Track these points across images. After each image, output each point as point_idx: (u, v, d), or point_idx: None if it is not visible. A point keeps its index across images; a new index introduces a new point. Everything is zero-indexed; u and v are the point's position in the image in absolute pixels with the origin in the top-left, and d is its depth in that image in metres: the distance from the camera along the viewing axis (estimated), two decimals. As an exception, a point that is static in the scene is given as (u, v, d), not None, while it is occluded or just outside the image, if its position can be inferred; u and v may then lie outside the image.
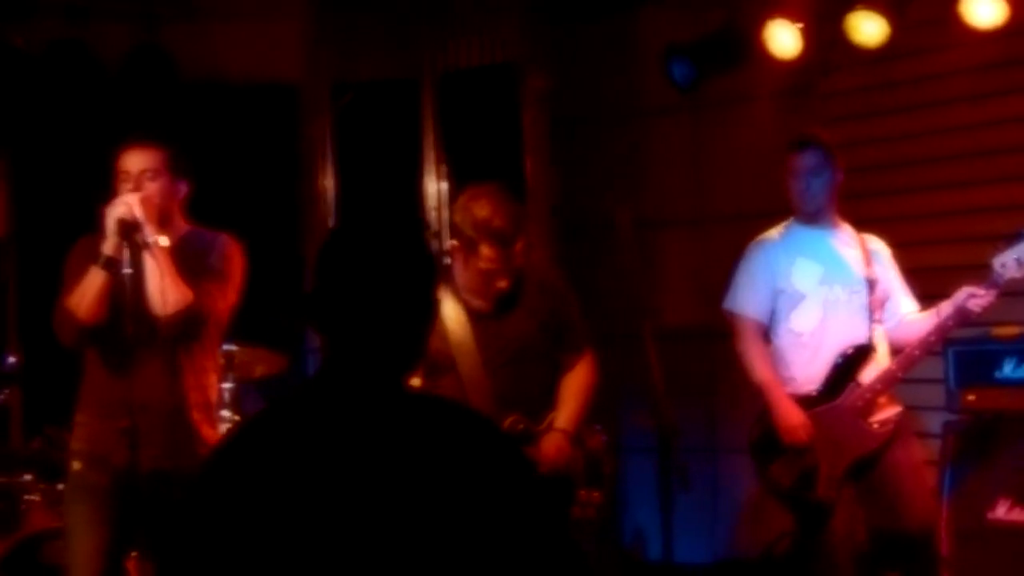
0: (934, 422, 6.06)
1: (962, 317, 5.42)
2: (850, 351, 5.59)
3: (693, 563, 7.43)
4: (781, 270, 5.68)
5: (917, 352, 5.52)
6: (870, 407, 5.55)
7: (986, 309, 5.39)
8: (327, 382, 2.59)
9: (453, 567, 2.43)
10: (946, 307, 5.48)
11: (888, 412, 5.59)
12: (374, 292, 2.58)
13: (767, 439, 5.66)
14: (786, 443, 5.56)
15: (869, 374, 5.57)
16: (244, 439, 2.65)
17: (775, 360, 5.73)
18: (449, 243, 5.02)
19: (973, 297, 5.36)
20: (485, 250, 4.85)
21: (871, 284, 5.62)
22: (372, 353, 2.57)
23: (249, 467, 2.51)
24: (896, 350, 5.68)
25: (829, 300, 5.61)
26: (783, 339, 5.71)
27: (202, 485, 2.56)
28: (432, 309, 2.65)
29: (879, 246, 5.79)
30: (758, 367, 5.70)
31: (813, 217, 5.69)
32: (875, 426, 5.54)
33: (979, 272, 5.44)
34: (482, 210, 4.85)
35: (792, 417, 5.56)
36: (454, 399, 3.15)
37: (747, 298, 5.77)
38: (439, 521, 2.44)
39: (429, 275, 2.67)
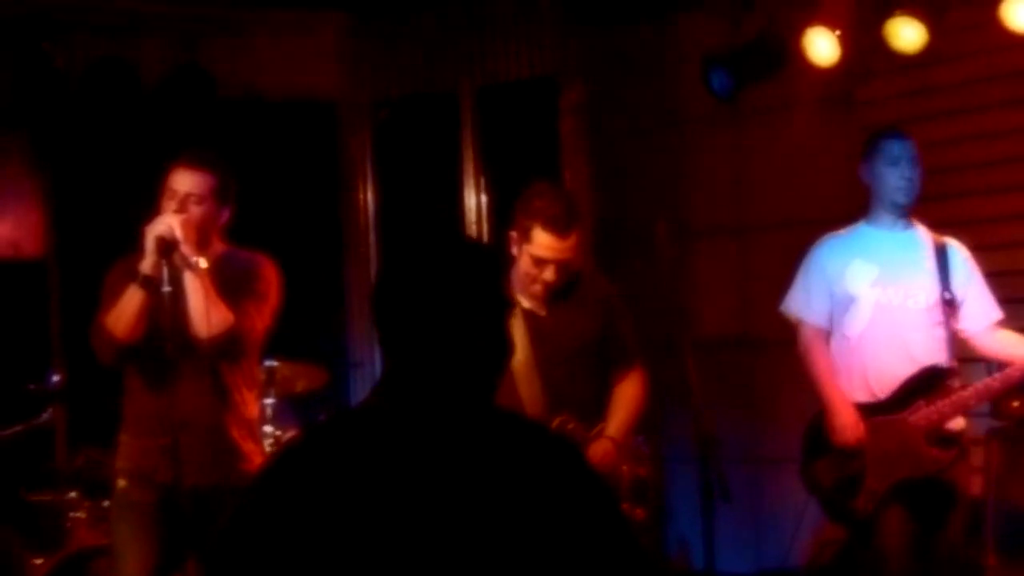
0: (979, 428, 6.00)
1: None
2: (926, 369, 5.39)
3: (738, 573, 7.41)
4: (835, 272, 5.54)
5: (997, 385, 5.33)
6: (935, 429, 5.36)
7: None
8: (392, 397, 2.56)
9: None
10: None
11: (954, 430, 5.39)
12: (449, 318, 2.55)
13: (817, 435, 5.52)
14: (834, 443, 5.42)
15: (942, 394, 5.36)
16: (302, 450, 2.62)
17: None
18: (509, 234, 5.04)
19: None
20: (539, 235, 4.89)
21: (945, 300, 5.42)
22: (441, 377, 2.55)
23: (306, 476, 2.49)
24: (978, 357, 5.57)
25: (881, 303, 5.44)
26: (836, 343, 5.57)
27: (257, 494, 2.54)
28: (505, 344, 2.63)
29: (958, 250, 5.56)
30: (816, 367, 5.53)
31: (892, 215, 5.50)
32: (935, 451, 5.34)
33: (1015, 279, 5.38)
34: (540, 199, 4.94)
35: (843, 416, 5.40)
36: (520, 413, 3.12)
37: (802, 302, 5.64)
38: (509, 545, 2.41)
39: (501, 304, 2.66)
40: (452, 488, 2.44)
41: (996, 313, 5.55)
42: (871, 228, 5.56)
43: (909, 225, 5.55)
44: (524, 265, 5.00)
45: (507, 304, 2.67)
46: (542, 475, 2.49)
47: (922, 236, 5.55)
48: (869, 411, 5.44)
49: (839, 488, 5.47)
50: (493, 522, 2.42)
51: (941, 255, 5.45)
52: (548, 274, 4.95)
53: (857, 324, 5.49)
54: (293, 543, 2.44)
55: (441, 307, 2.55)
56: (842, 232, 5.66)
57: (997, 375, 5.35)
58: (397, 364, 2.58)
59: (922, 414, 5.35)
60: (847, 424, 5.40)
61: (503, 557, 2.41)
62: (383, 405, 2.58)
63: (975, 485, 5.83)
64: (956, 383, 5.37)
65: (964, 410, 5.36)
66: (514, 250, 5.03)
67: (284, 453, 2.69)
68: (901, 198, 5.46)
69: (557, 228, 4.88)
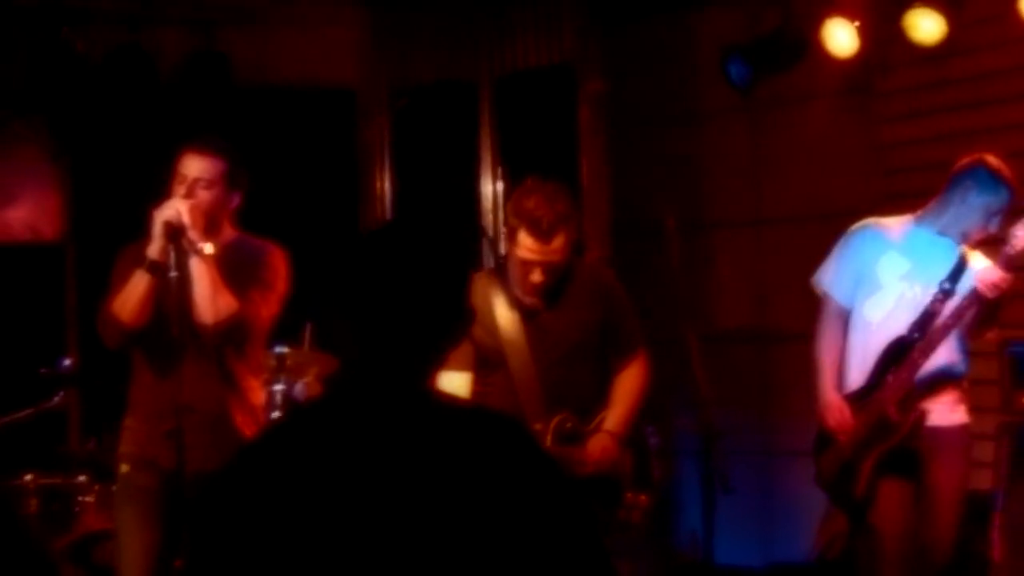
0: (989, 423, 5.97)
1: (975, 298, 5.23)
2: (891, 343, 5.44)
3: (746, 566, 7.40)
4: (869, 258, 5.56)
5: (934, 337, 5.33)
6: (904, 398, 5.39)
7: (1002, 289, 5.17)
8: (348, 387, 2.58)
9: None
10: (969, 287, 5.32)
11: (926, 403, 5.41)
12: (394, 290, 2.56)
13: (820, 430, 5.62)
14: (826, 428, 5.54)
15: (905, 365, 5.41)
16: (263, 446, 2.64)
17: (848, 347, 5.64)
18: (503, 230, 5.04)
19: (981, 277, 5.24)
20: (523, 238, 4.86)
21: (943, 288, 5.38)
22: (392, 354, 2.55)
23: (266, 473, 2.50)
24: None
25: (905, 297, 5.47)
26: (856, 325, 5.61)
27: (219, 488, 2.56)
28: (458, 312, 2.63)
29: (981, 263, 5.45)
30: (820, 352, 5.62)
31: (948, 233, 5.48)
32: (893, 414, 5.39)
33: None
34: (529, 200, 4.88)
35: (830, 404, 5.52)
36: (483, 405, 3.11)
37: (832, 277, 5.67)
38: (458, 529, 2.41)
39: (454, 275, 2.64)
40: (398, 480, 2.44)
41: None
42: (917, 227, 5.56)
43: (955, 240, 5.52)
44: (514, 265, 4.98)
45: (456, 284, 2.65)
46: (487, 461, 2.48)
47: (958, 245, 5.52)
48: (856, 397, 5.51)
49: (839, 477, 5.55)
50: (438, 512, 2.41)
51: (963, 260, 5.42)
52: (535, 276, 4.92)
53: (879, 312, 5.52)
54: (249, 542, 2.45)
55: (383, 291, 2.56)
56: (887, 221, 5.66)
57: (935, 329, 5.34)
58: (345, 356, 2.60)
59: (887, 387, 5.41)
60: (832, 411, 5.50)
61: (448, 545, 2.40)
62: (334, 399, 2.60)
63: (984, 480, 5.81)
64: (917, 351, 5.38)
65: (916, 369, 5.36)
66: (507, 247, 5.02)
67: (239, 453, 2.70)
68: (974, 238, 5.44)
69: (540, 232, 4.82)
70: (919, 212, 5.58)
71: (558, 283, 5.01)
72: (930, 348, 5.34)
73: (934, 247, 5.49)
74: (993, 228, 5.39)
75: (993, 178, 5.38)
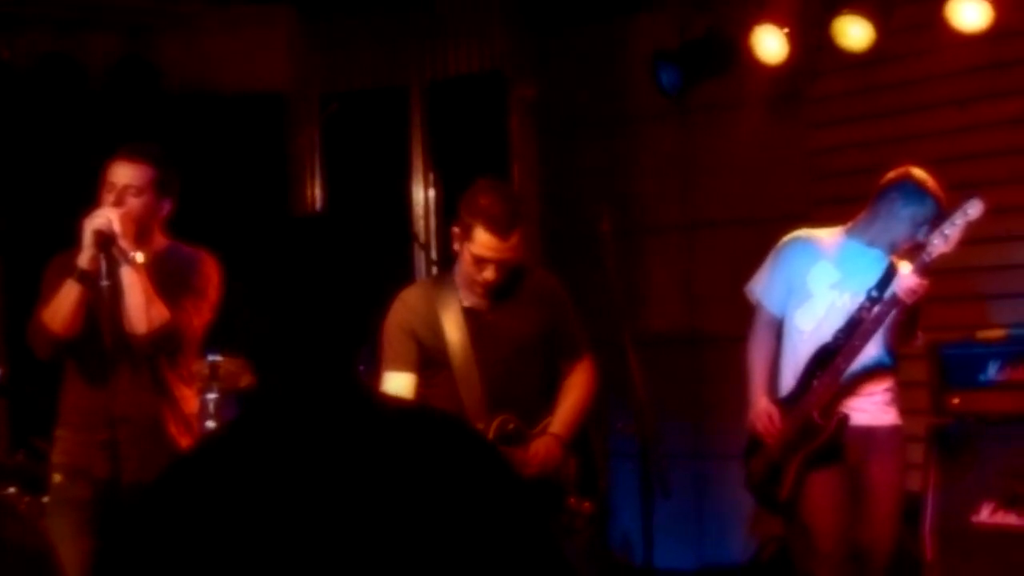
0: (919, 425, 6.04)
1: (894, 302, 5.30)
2: (816, 350, 5.51)
3: (680, 568, 7.44)
4: (800, 267, 5.62)
5: (856, 342, 5.40)
6: (828, 404, 5.46)
7: (919, 294, 5.25)
8: (282, 391, 2.57)
9: None
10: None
11: (847, 405, 5.47)
12: (316, 276, 2.55)
13: (753, 434, 5.68)
14: (755, 432, 5.61)
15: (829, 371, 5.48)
16: (200, 456, 2.62)
17: (781, 354, 5.70)
18: (452, 230, 5.03)
19: (900, 283, 5.29)
20: (480, 235, 4.86)
21: (870, 296, 5.43)
22: (315, 345, 2.54)
23: (204, 484, 2.48)
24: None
25: (835, 306, 5.53)
26: (788, 333, 5.68)
27: (155, 500, 2.53)
28: (377, 302, 2.62)
29: (903, 270, 5.51)
30: (750, 359, 5.69)
31: (880, 245, 5.55)
32: (816, 419, 5.45)
33: (965, 275, 5.41)
34: (485, 198, 4.90)
35: (758, 407, 5.59)
36: (424, 405, 3.11)
37: (765, 288, 5.73)
38: (406, 531, 2.41)
39: (372, 263, 2.64)
40: (342, 485, 2.42)
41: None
42: (848, 238, 5.63)
43: (884, 250, 5.58)
44: (465, 263, 4.98)
45: (374, 273, 2.65)
46: (432, 460, 2.47)
47: (887, 255, 5.58)
48: (785, 402, 5.59)
49: (767, 479, 5.61)
50: (385, 515, 2.40)
51: (890, 270, 5.49)
52: (488, 273, 4.93)
53: (810, 320, 5.58)
54: (188, 554, 2.43)
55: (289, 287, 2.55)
56: (818, 232, 5.72)
57: (855, 335, 5.41)
58: (266, 355, 2.59)
59: (812, 392, 5.48)
60: (761, 415, 5.57)
61: (396, 548, 2.40)
62: (270, 404, 2.60)
63: (914, 481, 5.88)
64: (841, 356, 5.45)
65: (839, 374, 5.43)
66: (456, 247, 5.02)
67: (175, 465, 2.68)
68: (901, 247, 5.50)
69: (498, 228, 4.85)
70: (849, 224, 5.64)
71: (504, 285, 5.03)
72: (853, 353, 5.41)
73: (864, 258, 5.55)
74: (921, 237, 5.46)
75: (919, 190, 5.45)
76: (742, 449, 5.75)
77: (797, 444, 5.50)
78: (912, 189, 5.47)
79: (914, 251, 5.43)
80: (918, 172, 5.49)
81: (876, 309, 5.36)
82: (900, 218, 5.48)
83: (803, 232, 5.74)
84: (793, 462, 5.51)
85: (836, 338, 5.44)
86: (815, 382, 5.48)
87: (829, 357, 5.46)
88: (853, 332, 5.42)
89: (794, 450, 5.50)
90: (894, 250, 5.50)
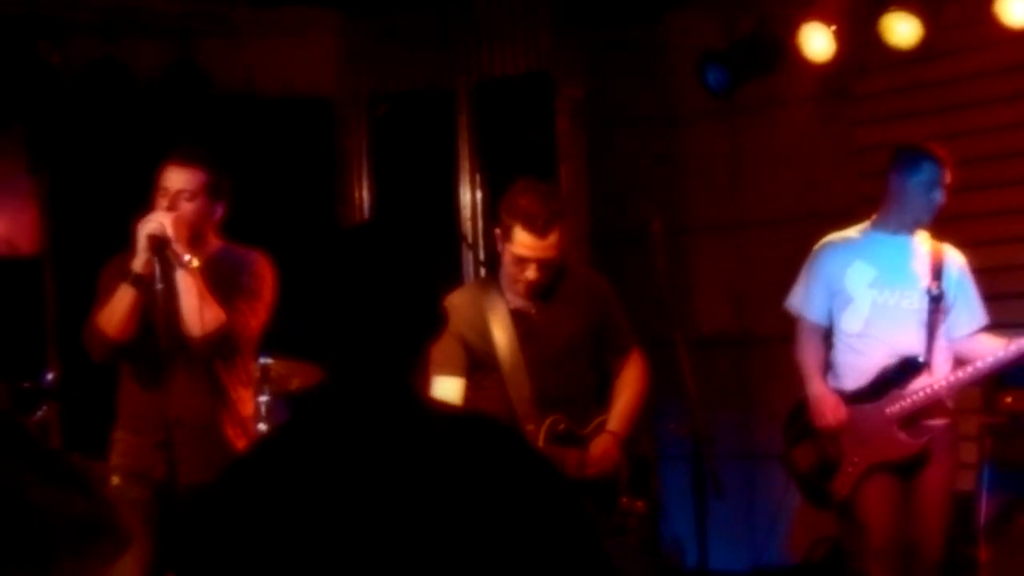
0: (972, 424, 6.01)
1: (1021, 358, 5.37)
2: (903, 360, 5.52)
3: (731, 570, 7.42)
4: (836, 272, 5.65)
5: (967, 379, 5.48)
6: (910, 418, 5.49)
7: None
8: (337, 396, 2.57)
9: None
10: (1013, 347, 5.41)
11: (930, 423, 5.52)
12: (370, 287, 2.55)
13: (798, 421, 5.72)
14: (816, 425, 5.59)
15: (916, 386, 5.50)
16: (256, 459, 2.63)
17: (830, 360, 5.69)
18: (494, 231, 5.06)
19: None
20: (519, 234, 4.90)
21: (933, 295, 5.52)
22: (371, 354, 2.54)
23: (260, 486, 2.49)
24: (959, 363, 5.59)
25: (877, 303, 5.55)
26: (836, 339, 5.70)
27: (212, 502, 2.54)
28: (432, 310, 2.63)
29: (954, 257, 5.66)
30: (804, 358, 5.70)
31: (906, 226, 5.61)
32: (904, 436, 5.49)
33: (1012, 275, 5.39)
34: (523, 198, 4.93)
35: (825, 400, 5.58)
36: (474, 411, 3.11)
37: (804, 298, 5.75)
38: (455, 536, 2.41)
39: (427, 273, 2.64)
40: (393, 489, 2.43)
41: (981, 321, 5.67)
42: (875, 232, 5.64)
43: (914, 231, 5.65)
44: (508, 264, 5.01)
45: (429, 282, 2.64)
46: (481, 466, 2.48)
47: (921, 241, 5.64)
48: (848, 398, 5.59)
49: (817, 472, 5.64)
50: (435, 520, 2.42)
51: (937, 260, 5.51)
52: (530, 273, 4.95)
53: (855, 323, 5.60)
54: (244, 556, 2.44)
55: (351, 296, 2.55)
56: (847, 232, 5.74)
57: (969, 368, 5.48)
58: (324, 361, 2.59)
59: (896, 402, 5.49)
60: (829, 406, 5.57)
61: (446, 552, 2.40)
62: (324, 408, 2.58)
63: (967, 480, 5.85)
64: (929, 376, 5.49)
65: (934, 400, 5.48)
66: (500, 247, 5.04)
67: (231, 467, 2.69)
68: (927, 218, 5.57)
69: (536, 228, 4.88)
70: (873, 217, 5.65)
71: (550, 285, 5.04)
72: (958, 388, 5.51)
73: (893, 248, 5.60)
74: (939, 200, 5.48)
75: (912, 156, 5.52)
76: (784, 424, 5.78)
77: (870, 449, 5.50)
78: (905, 158, 5.55)
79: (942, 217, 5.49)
80: (905, 144, 5.62)
81: (1004, 357, 5.40)
82: (909, 191, 5.52)
83: (833, 236, 5.77)
84: (859, 465, 5.51)
85: (920, 353, 5.49)
86: (894, 391, 5.50)
87: (911, 371, 5.50)
88: (933, 341, 5.48)
89: (864, 456, 5.50)
90: (921, 225, 5.54)
